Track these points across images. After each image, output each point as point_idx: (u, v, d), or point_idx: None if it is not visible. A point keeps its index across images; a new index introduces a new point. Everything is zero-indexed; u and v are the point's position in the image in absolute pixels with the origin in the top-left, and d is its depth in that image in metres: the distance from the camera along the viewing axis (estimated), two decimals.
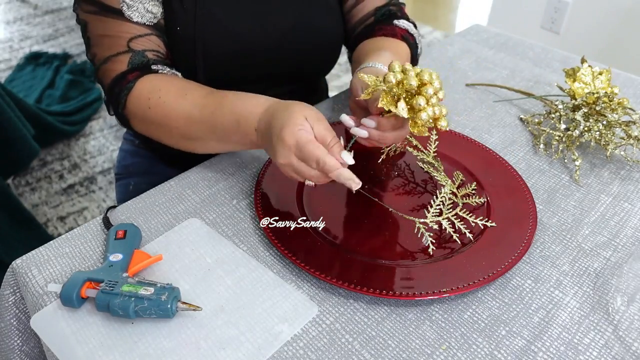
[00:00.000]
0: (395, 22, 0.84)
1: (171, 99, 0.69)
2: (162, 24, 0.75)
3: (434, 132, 0.71)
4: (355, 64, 0.83)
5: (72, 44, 2.82)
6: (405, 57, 0.81)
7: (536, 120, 0.84)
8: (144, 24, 0.72)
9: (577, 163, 0.74)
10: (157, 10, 0.73)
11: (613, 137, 0.75)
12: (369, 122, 0.62)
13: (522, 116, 0.87)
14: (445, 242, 0.63)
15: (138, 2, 0.71)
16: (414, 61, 0.86)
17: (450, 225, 0.63)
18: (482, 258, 0.60)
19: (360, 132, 0.62)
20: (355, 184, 0.58)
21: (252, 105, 0.65)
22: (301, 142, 0.58)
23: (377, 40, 0.82)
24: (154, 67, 0.72)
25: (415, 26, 0.86)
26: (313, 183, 0.62)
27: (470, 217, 0.64)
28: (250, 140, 0.66)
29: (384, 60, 0.72)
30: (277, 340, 0.53)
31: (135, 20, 0.71)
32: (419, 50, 0.86)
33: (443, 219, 0.62)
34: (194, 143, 0.71)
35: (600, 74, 0.83)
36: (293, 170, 0.61)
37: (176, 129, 0.70)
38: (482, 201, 0.68)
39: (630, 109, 0.77)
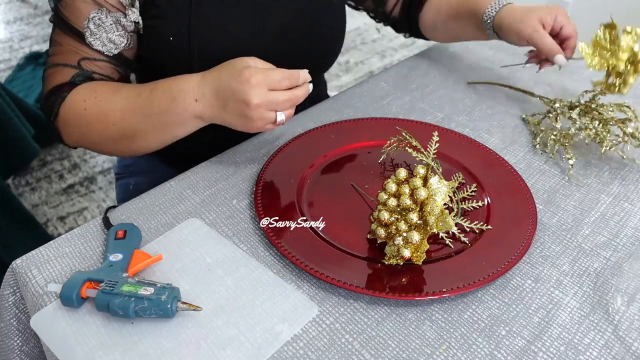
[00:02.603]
0: None
1: (106, 95, 0.69)
2: (124, 55, 0.75)
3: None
4: (455, 15, 0.90)
5: None
6: None
7: (535, 120, 0.84)
8: (103, 52, 0.72)
9: (570, 162, 0.74)
10: (121, 41, 0.73)
11: (608, 135, 0.75)
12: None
13: (523, 115, 0.87)
14: (444, 242, 0.63)
15: (103, 31, 0.70)
16: None
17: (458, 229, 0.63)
18: (482, 258, 0.60)
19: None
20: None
21: (184, 80, 0.66)
22: (267, 72, 0.61)
23: None
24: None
25: None
26: (284, 117, 0.64)
27: (466, 222, 0.64)
28: (190, 115, 0.65)
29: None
30: (277, 340, 0.53)
31: (95, 47, 0.71)
32: None
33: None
34: (133, 140, 0.70)
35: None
36: (268, 105, 0.62)
37: (113, 126, 0.68)
38: (480, 205, 0.68)
39: (626, 106, 0.77)
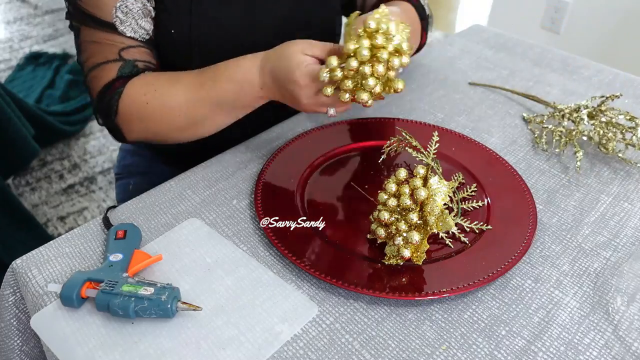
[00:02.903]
0: None
1: (166, 88, 0.70)
2: (153, 39, 0.75)
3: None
4: None
5: (72, 44, 2.80)
6: (412, 17, 0.83)
7: (538, 119, 0.85)
8: (136, 39, 0.72)
9: (578, 155, 0.74)
10: (149, 27, 0.73)
11: (614, 137, 0.76)
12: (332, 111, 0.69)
13: (524, 115, 0.87)
14: (444, 242, 0.63)
15: (131, 18, 0.70)
16: (424, 21, 0.85)
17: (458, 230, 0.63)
18: (482, 258, 0.60)
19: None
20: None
21: (247, 68, 0.67)
22: (314, 75, 0.62)
23: (389, 3, 0.85)
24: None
25: None
26: (334, 112, 0.67)
27: (466, 222, 0.64)
28: (259, 98, 0.69)
29: (394, 10, 0.74)
30: (277, 340, 0.53)
31: (128, 35, 0.71)
32: (428, 12, 0.87)
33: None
34: (202, 125, 0.71)
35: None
36: (318, 104, 0.65)
37: (179, 117, 0.70)
38: (480, 205, 0.68)
39: (636, 118, 0.77)
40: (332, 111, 0.67)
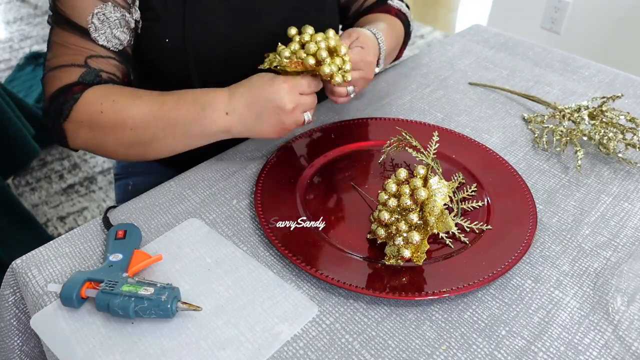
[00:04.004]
0: (389, 2, 0.90)
1: (124, 101, 0.68)
2: (127, 51, 0.74)
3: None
4: None
5: None
6: (399, 31, 0.86)
7: (538, 119, 0.85)
8: (108, 48, 0.71)
9: (579, 154, 0.75)
10: (125, 37, 0.72)
11: (615, 137, 0.76)
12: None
13: (524, 115, 0.87)
14: (444, 242, 0.63)
15: (107, 26, 0.70)
16: (407, 36, 0.90)
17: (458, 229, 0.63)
18: (482, 258, 0.60)
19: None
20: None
21: (213, 93, 0.67)
22: (295, 78, 0.66)
23: (373, 16, 0.87)
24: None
25: (407, 7, 0.92)
26: (310, 116, 0.69)
27: (466, 222, 0.64)
28: (218, 128, 0.67)
29: (380, 28, 0.78)
30: (277, 340, 0.53)
31: (100, 43, 0.70)
32: (410, 28, 0.91)
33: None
34: (148, 146, 0.69)
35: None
36: (301, 108, 0.67)
37: (130, 131, 0.67)
38: (480, 205, 0.68)
39: (637, 119, 0.78)
40: (308, 116, 0.69)
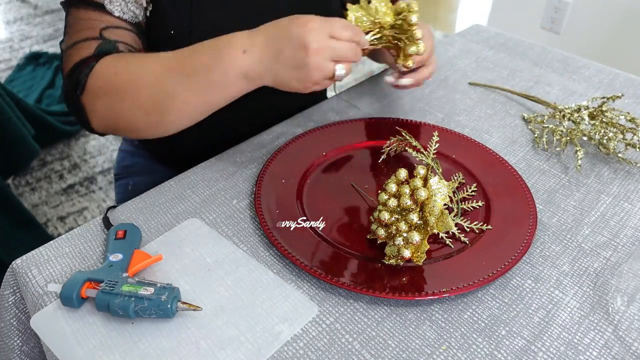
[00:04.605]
0: None
1: (138, 60, 0.64)
2: (142, 26, 0.73)
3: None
4: None
5: None
6: None
7: (538, 119, 0.85)
8: (125, 20, 0.69)
9: (579, 154, 0.75)
10: (139, 12, 0.71)
11: (615, 137, 0.76)
12: (390, 79, 0.72)
13: (524, 115, 0.87)
14: (444, 242, 0.63)
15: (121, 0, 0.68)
16: None
17: (458, 229, 0.63)
18: (482, 258, 0.60)
19: (405, 81, 0.72)
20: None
21: (232, 35, 0.61)
22: (327, 18, 0.59)
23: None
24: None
25: None
26: (344, 71, 0.60)
27: (466, 222, 0.64)
28: (236, 72, 0.60)
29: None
30: (277, 340, 0.53)
31: (116, 14, 0.68)
32: None
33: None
34: (167, 111, 0.63)
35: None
36: (328, 52, 0.58)
37: (146, 90, 0.63)
38: (480, 205, 0.68)
39: (637, 119, 0.78)
40: (341, 70, 0.60)
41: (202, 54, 0.61)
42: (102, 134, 0.70)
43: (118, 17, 0.69)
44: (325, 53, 0.58)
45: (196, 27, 0.74)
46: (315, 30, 0.57)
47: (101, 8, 0.68)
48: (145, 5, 0.72)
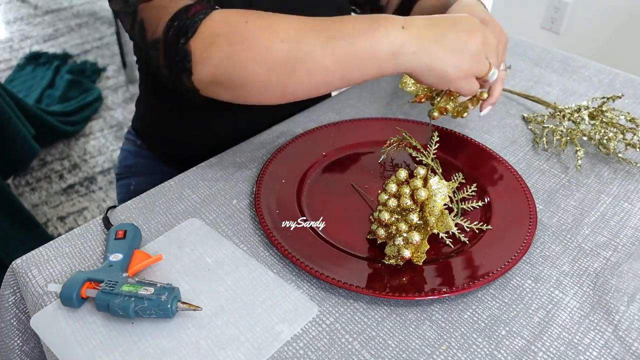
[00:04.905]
0: None
1: (274, 15, 0.58)
2: None
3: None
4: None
5: (72, 44, 2.82)
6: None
7: (538, 119, 0.85)
8: None
9: (579, 153, 0.75)
10: None
11: (615, 137, 0.76)
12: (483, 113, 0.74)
13: (524, 115, 0.87)
14: (444, 242, 0.63)
15: None
16: None
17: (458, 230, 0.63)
18: (482, 258, 0.60)
19: (488, 110, 0.75)
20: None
21: (388, 15, 0.58)
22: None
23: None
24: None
25: None
26: (495, 77, 0.62)
27: (466, 222, 0.64)
28: (388, 45, 0.56)
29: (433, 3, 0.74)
30: (277, 340, 0.53)
31: None
32: None
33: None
34: (294, 73, 0.58)
35: None
36: (489, 48, 0.59)
37: (280, 44, 0.56)
38: (480, 205, 0.68)
39: (637, 119, 0.78)
40: (495, 74, 0.61)
41: (355, 21, 0.57)
42: (197, 91, 0.62)
43: None
44: (488, 48, 0.58)
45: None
46: (485, 28, 0.58)
47: None
48: None
